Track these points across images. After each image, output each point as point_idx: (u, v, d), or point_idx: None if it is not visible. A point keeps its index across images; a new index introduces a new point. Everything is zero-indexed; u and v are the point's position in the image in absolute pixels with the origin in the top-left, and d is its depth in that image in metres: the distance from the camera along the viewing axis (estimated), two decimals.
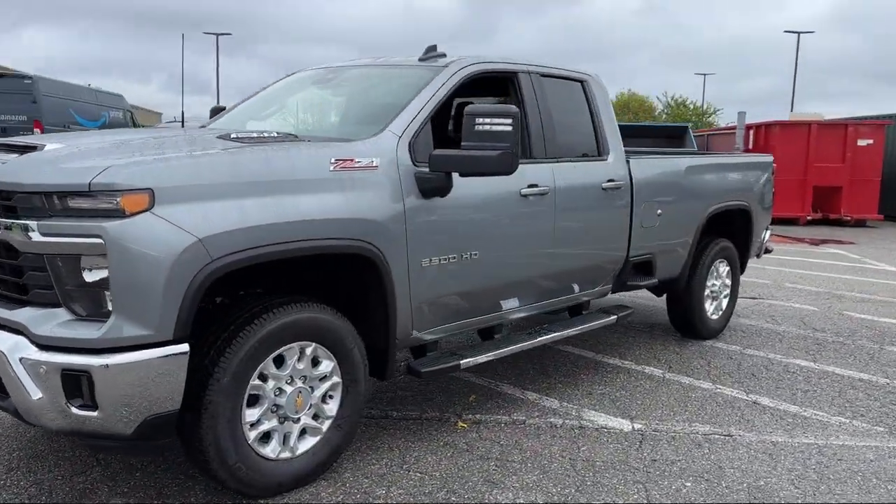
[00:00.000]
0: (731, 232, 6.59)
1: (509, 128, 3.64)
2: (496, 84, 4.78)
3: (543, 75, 4.74)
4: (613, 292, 5.46)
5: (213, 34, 40.97)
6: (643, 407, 4.67)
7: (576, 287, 4.98)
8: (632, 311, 5.42)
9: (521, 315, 4.68)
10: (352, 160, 3.50)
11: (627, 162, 5.20)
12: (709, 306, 6.28)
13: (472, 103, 3.94)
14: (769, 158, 6.92)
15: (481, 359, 4.17)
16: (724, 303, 6.50)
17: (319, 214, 3.30)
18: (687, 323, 6.26)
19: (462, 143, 3.67)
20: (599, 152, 5.04)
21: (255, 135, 3.61)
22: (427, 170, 3.72)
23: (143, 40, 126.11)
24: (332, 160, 3.43)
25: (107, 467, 3.63)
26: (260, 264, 3.20)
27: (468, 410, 4.51)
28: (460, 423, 4.30)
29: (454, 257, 3.93)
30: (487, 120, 3.65)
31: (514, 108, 3.69)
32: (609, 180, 4.95)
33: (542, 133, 4.56)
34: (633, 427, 4.34)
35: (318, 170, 3.38)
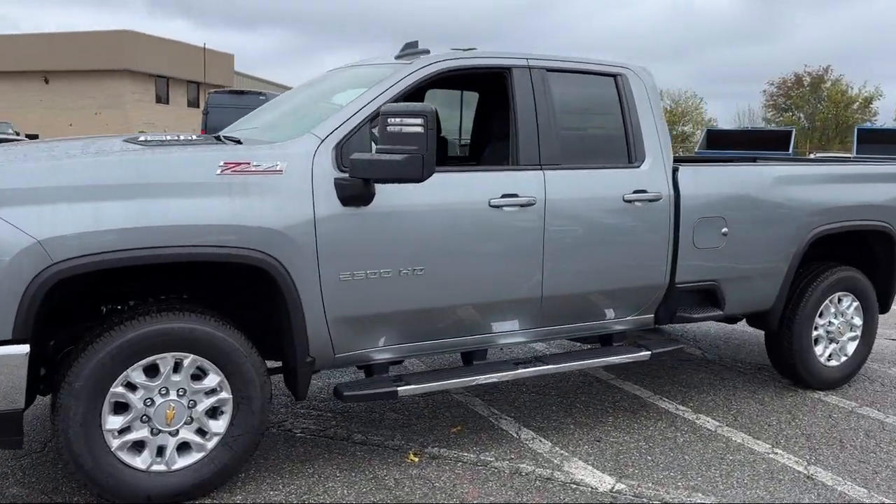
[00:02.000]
0: (862, 259, 5.32)
1: (420, 129, 3.22)
2: (491, 81, 4.28)
3: (552, 70, 4.14)
4: (659, 324, 4.63)
5: (460, 49, 42.37)
6: (650, 464, 3.88)
7: (593, 314, 4.29)
8: (680, 346, 4.55)
9: (512, 341, 4.14)
10: (247, 164, 3.29)
11: (675, 171, 4.38)
12: (820, 350, 5.09)
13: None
14: None
15: (427, 387, 3.74)
16: (850, 347, 5.23)
17: (194, 220, 3.15)
18: (788, 368, 5.13)
19: (377, 147, 3.31)
20: (631, 159, 4.29)
21: (168, 138, 3.55)
22: (347, 175, 3.41)
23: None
24: (221, 163, 3.25)
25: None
26: (138, 269, 3.15)
27: (439, 442, 4.06)
28: (412, 456, 3.88)
29: (388, 272, 3.55)
30: (398, 120, 3.24)
31: (428, 107, 3.25)
32: (637, 191, 4.19)
33: (535, 136, 3.98)
34: (612, 487, 3.61)
35: (201, 174, 3.22)
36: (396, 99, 3.67)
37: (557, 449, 4.04)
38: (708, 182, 4.49)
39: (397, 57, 4.11)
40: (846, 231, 4.99)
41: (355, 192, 3.40)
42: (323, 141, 3.48)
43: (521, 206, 3.85)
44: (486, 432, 4.24)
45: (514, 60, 4.05)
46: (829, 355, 5.15)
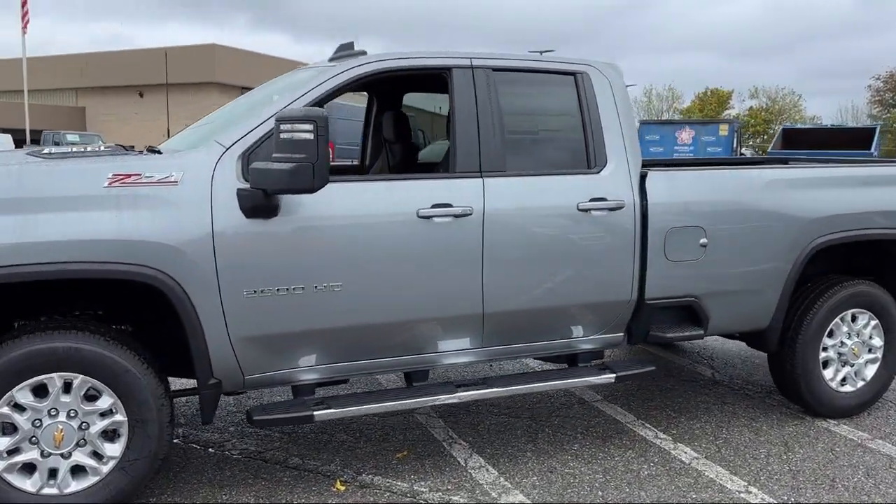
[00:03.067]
0: (885, 273, 4.75)
1: (310, 136, 2.99)
2: (434, 84, 4.01)
3: (500, 69, 3.83)
4: (632, 343, 4.23)
5: (537, 52, 42.03)
6: (597, 500, 3.51)
7: (550, 333, 3.94)
8: (650, 369, 4.11)
9: (458, 361, 3.83)
10: (138, 175, 3.14)
11: (644, 177, 3.98)
12: (830, 373, 4.54)
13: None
14: None
15: (346, 412, 3.49)
16: (869, 371, 4.65)
17: (77, 235, 3.01)
18: (793, 393, 4.61)
19: (273, 155, 3.10)
20: (590, 164, 3.92)
21: (73, 149, 3.44)
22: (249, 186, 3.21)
23: None
24: (109, 175, 3.11)
25: None
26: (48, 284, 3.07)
27: (377, 469, 3.81)
28: (338, 485, 3.64)
29: (299, 289, 3.33)
30: (289, 126, 3.03)
31: (319, 111, 3.02)
32: (595, 199, 3.82)
33: (476, 141, 3.68)
34: None
35: (86, 186, 3.08)
36: (314, 104, 3.45)
37: (502, 480, 3.71)
38: (682, 188, 4.06)
39: (331, 59, 3.89)
40: (857, 241, 4.44)
41: (257, 203, 3.19)
42: (227, 150, 3.29)
43: (456, 216, 3.56)
44: (433, 459, 3.95)
45: (455, 60, 3.76)
46: (843, 380, 4.59)
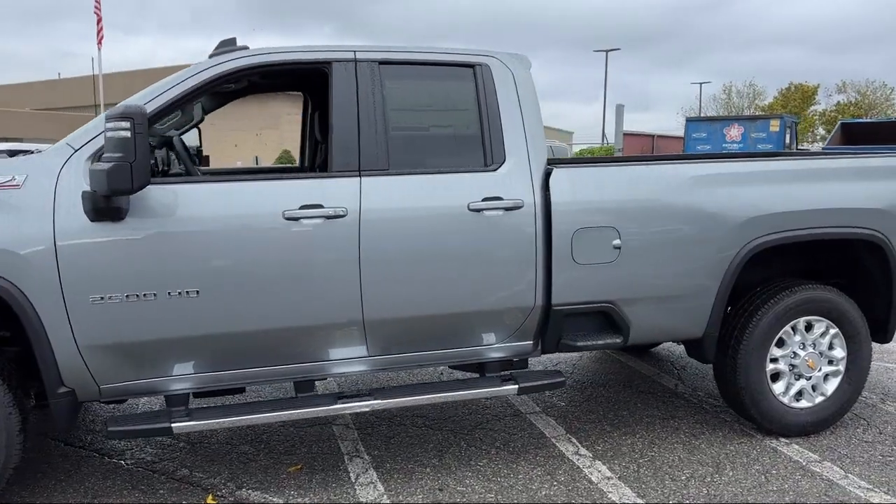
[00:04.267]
0: (845, 276, 4.31)
1: (127, 133, 2.86)
2: (318, 79, 3.82)
3: (387, 62, 3.61)
4: (547, 352, 3.92)
5: (603, 51, 41.37)
6: None
7: (448, 340, 3.69)
8: (558, 381, 3.79)
9: (346, 370, 3.62)
10: None
11: (548, 174, 3.69)
12: (780, 387, 4.12)
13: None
14: None
15: (207, 424, 3.33)
16: (830, 385, 4.20)
17: None
18: (739, 408, 4.21)
19: (103, 155, 2.99)
20: (487, 161, 3.66)
21: None
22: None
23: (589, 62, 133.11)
24: None
25: None
26: None
27: (261, 483, 3.65)
28: (209, 499, 3.49)
29: (151, 295, 3.20)
30: (112, 125, 2.90)
31: (137, 107, 2.90)
32: (489, 199, 3.56)
33: (355, 138, 3.47)
34: None
35: None
36: (173, 101, 3.33)
37: (385, 499, 3.49)
38: (590, 186, 3.74)
39: (210, 56, 3.75)
40: (799, 242, 4.01)
41: (99, 206, 3.08)
42: (76, 151, 3.20)
43: (327, 217, 3.37)
44: (325, 473, 3.76)
45: (336, 54, 3.56)
46: (798, 394, 4.17)
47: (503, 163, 3.65)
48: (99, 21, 35.88)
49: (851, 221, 4.04)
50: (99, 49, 35.54)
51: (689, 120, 18.14)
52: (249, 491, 3.57)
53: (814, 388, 4.18)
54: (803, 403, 4.18)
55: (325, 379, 3.70)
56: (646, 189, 3.80)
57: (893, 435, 4.22)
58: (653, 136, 24.03)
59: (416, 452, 4.00)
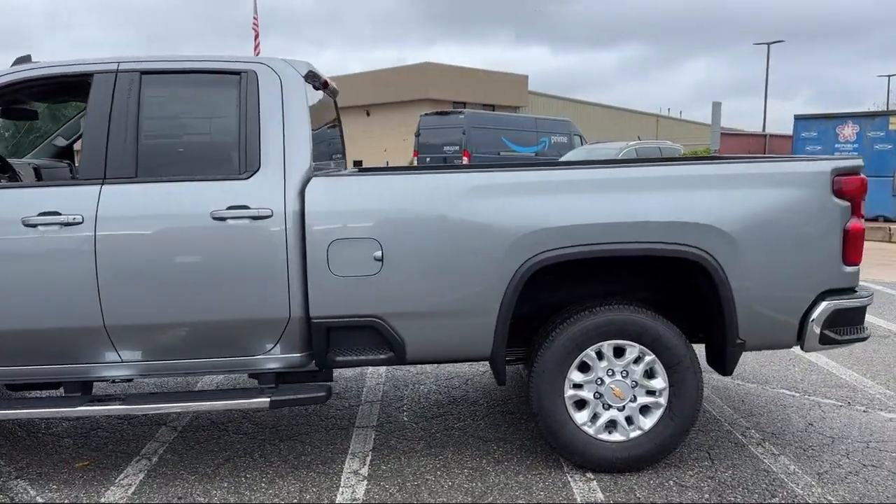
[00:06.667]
0: (673, 296, 3.86)
1: None
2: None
3: (150, 72, 3.69)
4: (326, 367, 3.80)
5: (765, 43, 38.89)
6: None
7: (209, 350, 3.69)
8: (318, 395, 3.67)
9: (107, 374, 3.72)
10: None
11: (306, 182, 3.61)
12: (582, 416, 3.75)
13: None
14: (807, 165, 3.69)
15: None
16: (648, 419, 3.77)
17: None
18: (544, 436, 3.87)
19: None
20: (241, 169, 3.63)
21: None
22: None
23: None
24: None
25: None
26: None
27: (35, 477, 3.84)
28: None
29: None
30: None
31: None
32: (234, 207, 3.54)
33: (103, 147, 3.58)
34: None
35: None
36: None
37: (124, 501, 3.56)
38: (348, 196, 3.61)
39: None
40: (581, 259, 3.61)
41: None
42: None
43: (62, 224, 3.50)
44: (104, 472, 3.89)
45: (98, 66, 3.69)
46: (607, 425, 3.78)
47: (256, 171, 3.61)
48: (256, 37, 38.60)
49: (662, 237, 3.61)
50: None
51: (797, 118, 16.32)
52: (15, 481, 3.77)
53: (629, 420, 3.77)
54: (616, 437, 3.78)
55: (101, 381, 3.80)
56: (411, 200, 3.61)
57: (732, 467, 3.71)
58: (765, 136, 22.15)
59: (205, 458, 4.04)
